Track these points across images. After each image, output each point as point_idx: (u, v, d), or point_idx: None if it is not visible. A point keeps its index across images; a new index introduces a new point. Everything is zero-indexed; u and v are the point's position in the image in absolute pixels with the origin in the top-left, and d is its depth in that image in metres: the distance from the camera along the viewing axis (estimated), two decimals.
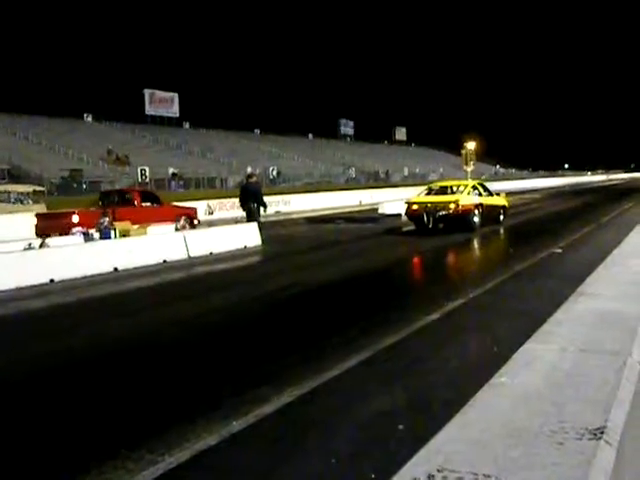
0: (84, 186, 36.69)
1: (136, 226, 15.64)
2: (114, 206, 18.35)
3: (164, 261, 13.05)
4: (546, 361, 3.99)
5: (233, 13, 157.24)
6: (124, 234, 14.98)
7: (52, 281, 10.69)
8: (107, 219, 15.09)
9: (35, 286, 10.30)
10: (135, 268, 12.20)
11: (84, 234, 15.00)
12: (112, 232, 15.06)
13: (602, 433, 2.33)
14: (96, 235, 14.92)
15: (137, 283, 10.94)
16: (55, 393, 5.03)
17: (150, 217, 17.49)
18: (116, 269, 11.95)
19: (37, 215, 17.52)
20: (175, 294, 9.69)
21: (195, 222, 19.83)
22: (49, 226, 16.09)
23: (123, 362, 5.90)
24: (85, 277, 11.21)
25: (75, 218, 16.32)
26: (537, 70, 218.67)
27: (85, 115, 58.13)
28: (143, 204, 18.69)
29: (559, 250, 12.10)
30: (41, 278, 10.59)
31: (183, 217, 19.04)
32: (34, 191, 23.57)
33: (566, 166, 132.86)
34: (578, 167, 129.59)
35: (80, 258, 11.61)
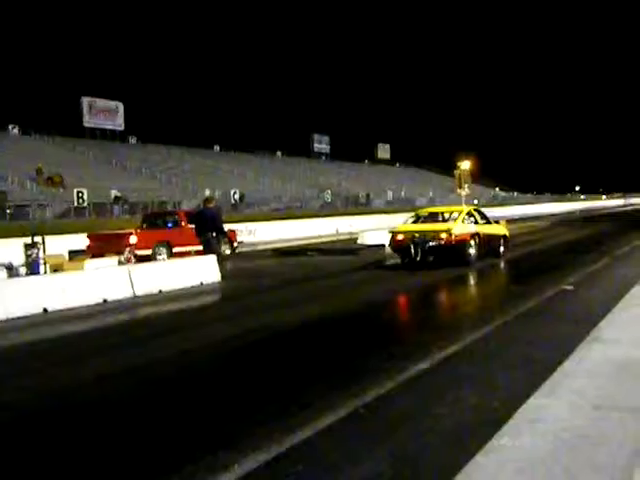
0: (8, 211, 36.25)
1: (74, 261, 15.51)
2: (159, 228, 20.75)
3: (104, 300, 12.90)
4: (554, 419, 3.98)
5: (189, 11, 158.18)
6: (56, 269, 14.81)
7: None
8: (36, 250, 14.88)
9: None
10: (69, 309, 12.04)
11: (7, 268, 14.79)
12: (42, 266, 14.88)
13: None
14: (22, 270, 14.72)
15: (67, 328, 10.78)
16: None
17: (196, 239, 18.41)
18: (46, 310, 11.77)
19: (90, 236, 19.52)
20: (110, 342, 9.49)
21: (235, 245, 22.08)
22: (103, 247, 17.94)
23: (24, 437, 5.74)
24: (7, 320, 11.01)
25: (133, 239, 18.37)
26: (543, 79, 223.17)
27: (10, 127, 57.82)
28: (189, 225, 19.93)
29: (570, 287, 12.23)
30: None
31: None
32: None
33: (577, 189, 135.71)
34: (591, 190, 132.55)
35: (1, 297, 11.38)
